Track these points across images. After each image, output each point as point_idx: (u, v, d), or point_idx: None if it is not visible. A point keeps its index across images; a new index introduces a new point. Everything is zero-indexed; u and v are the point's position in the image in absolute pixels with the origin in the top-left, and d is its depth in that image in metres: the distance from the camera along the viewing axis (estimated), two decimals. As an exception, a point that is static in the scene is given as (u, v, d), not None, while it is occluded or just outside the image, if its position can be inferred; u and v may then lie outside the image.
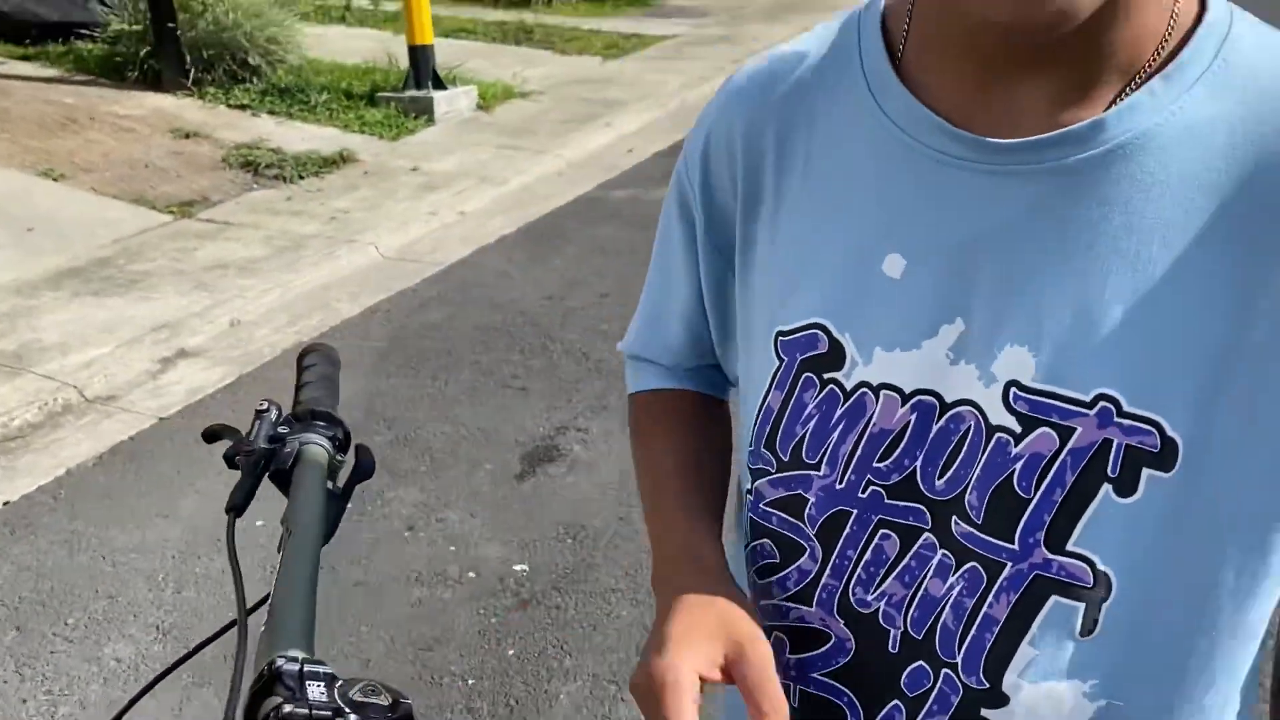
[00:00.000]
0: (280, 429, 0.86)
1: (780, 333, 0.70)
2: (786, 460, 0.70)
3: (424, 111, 6.50)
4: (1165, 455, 0.59)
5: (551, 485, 2.87)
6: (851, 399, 0.67)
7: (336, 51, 7.85)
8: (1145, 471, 0.59)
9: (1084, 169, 0.59)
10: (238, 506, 0.81)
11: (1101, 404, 0.59)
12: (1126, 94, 0.59)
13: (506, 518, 2.73)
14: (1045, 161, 0.60)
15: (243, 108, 6.54)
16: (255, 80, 6.86)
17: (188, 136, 5.95)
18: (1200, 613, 0.62)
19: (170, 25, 6.55)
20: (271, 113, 6.47)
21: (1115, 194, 0.59)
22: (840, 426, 0.68)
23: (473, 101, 6.82)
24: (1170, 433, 0.59)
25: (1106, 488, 0.60)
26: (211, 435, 1.03)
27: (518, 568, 2.55)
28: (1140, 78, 0.59)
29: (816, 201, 0.69)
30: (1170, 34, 0.59)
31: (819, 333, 0.68)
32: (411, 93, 6.58)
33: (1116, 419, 0.59)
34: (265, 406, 0.87)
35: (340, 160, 5.68)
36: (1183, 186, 0.58)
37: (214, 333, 3.82)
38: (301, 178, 5.44)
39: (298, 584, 0.69)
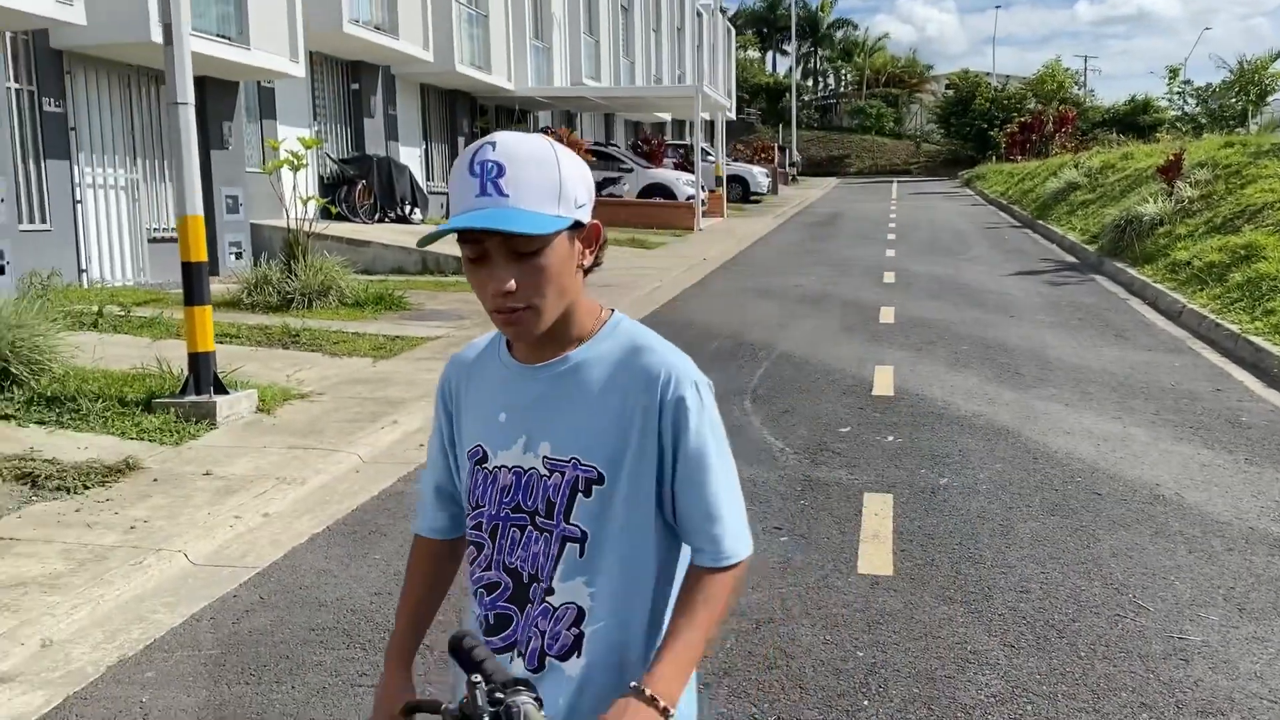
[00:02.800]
0: (496, 695, 1.11)
1: (467, 451, 1.60)
2: (473, 506, 1.58)
3: (205, 416, 6.53)
4: (600, 479, 1.48)
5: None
6: (492, 474, 1.56)
7: (96, 358, 7.77)
8: (592, 486, 1.49)
9: (563, 373, 1.52)
10: None
11: (573, 460, 1.50)
12: (576, 346, 1.52)
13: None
14: (549, 371, 1.52)
15: (5, 418, 6.32)
16: (16, 390, 6.67)
17: (-53, 450, 5.67)
18: (624, 543, 1.50)
19: (-74, 337, 6.35)
20: (40, 422, 6.29)
21: (576, 380, 1.51)
22: (490, 487, 1.56)
23: (254, 404, 6.92)
24: (600, 470, 1.49)
25: (579, 494, 1.49)
26: (411, 709, 1.25)
27: None
28: (584, 340, 1.53)
29: (475, 399, 1.60)
30: (597, 324, 1.54)
31: (480, 447, 1.58)
32: (192, 398, 6.61)
33: (580, 466, 1.49)
34: (478, 679, 1.13)
35: (126, 468, 5.58)
36: (600, 375, 1.51)
37: (25, 655, 3.63)
38: (87, 488, 5.30)
39: None
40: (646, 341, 1.52)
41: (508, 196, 1.37)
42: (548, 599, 1.50)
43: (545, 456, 1.51)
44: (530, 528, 1.52)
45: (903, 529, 4.90)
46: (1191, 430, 6.56)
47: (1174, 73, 33.48)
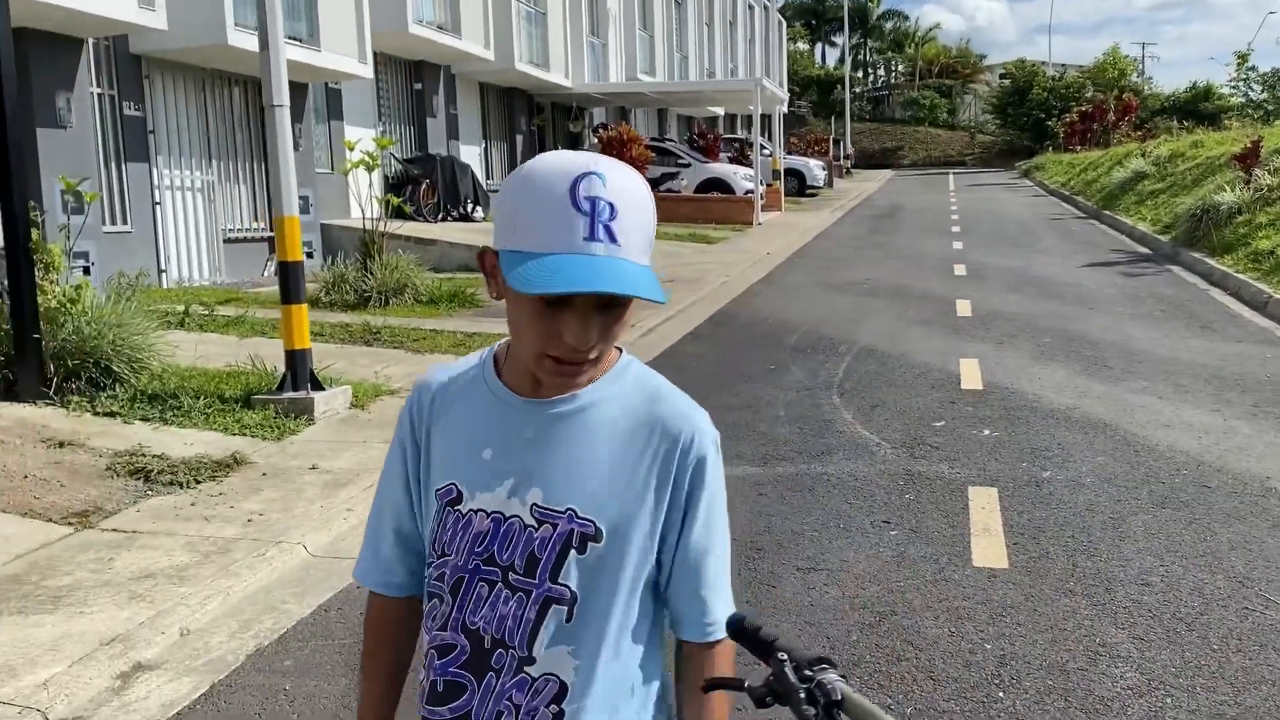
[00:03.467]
0: (805, 672, 1.13)
1: (436, 490, 1.38)
2: (437, 554, 1.37)
3: (304, 412, 6.65)
4: (598, 536, 1.31)
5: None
6: (466, 518, 1.35)
7: (189, 357, 7.94)
8: (589, 543, 1.31)
9: (568, 413, 1.34)
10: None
11: (569, 511, 1.32)
12: (587, 385, 1.33)
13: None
14: (552, 408, 1.34)
15: (111, 415, 6.48)
16: (119, 388, 6.84)
17: (62, 445, 5.84)
18: (618, 610, 1.33)
19: (35, 336, 6.53)
20: (144, 419, 6.44)
21: (582, 422, 1.34)
22: (461, 533, 1.35)
23: (348, 400, 7.03)
24: (600, 526, 1.31)
25: (572, 550, 1.31)
26: (712, 685, 1.28)
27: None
28: (593, 379, 1.34)
29: (453, 430, 1.39)
30: (608, 363, 1.35)
31: (453, 486, 1.37)
32: (290, 394, 6.74)
33: (576, 519, 1.31)
34: (784, 656, 1.15)
35: (234, 463, 5.71)
36: (612, 420, 1.34)
37: (166, 644, 3.74)
38: (199, 482, 5.43)
39: None
40: (662, 389, 1.38)
41: (620, 246, 1.20)
42: (525, 669, 1.31)
43: (535, 504, 1.32)
44: (501, 585, 1.32)
45: (1012, 522, 4.86)
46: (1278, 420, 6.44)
47: (1243, 58, 32.67)
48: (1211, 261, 13.22)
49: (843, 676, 1.14)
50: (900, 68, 74.50)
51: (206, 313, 10.12)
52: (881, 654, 3.62)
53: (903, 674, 3.48)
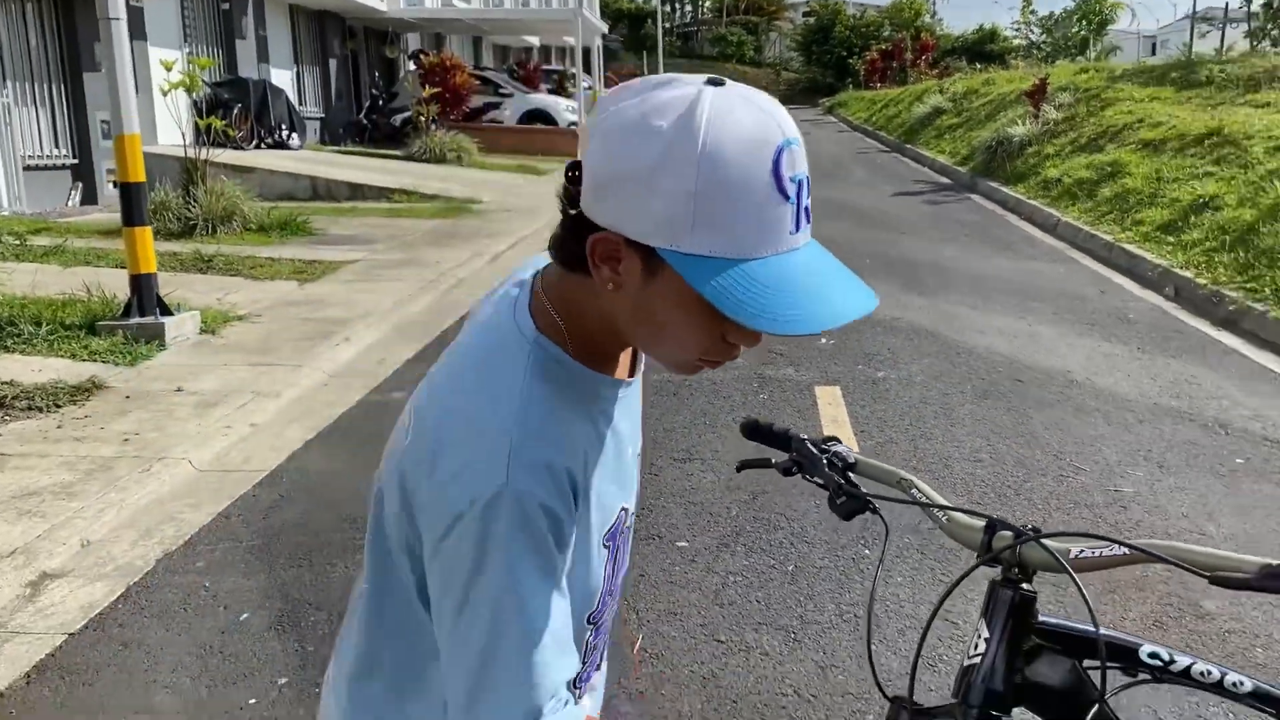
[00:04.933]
0: (821, 446, 1.44)
1: (605, 532, 1.10)
2: (598, 605, 1.13)
3: (155, 337, 6.51)
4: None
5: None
6: (626, 532, 1.16)
7: (19, 286, 7.57)
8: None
9: (633, 386, 1.14)
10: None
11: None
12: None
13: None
14: (629, 385, 1.13)
15: (-57, 344, 6.17)
16: (-54, 316, 6.49)
17: (-104, 376, 5.56)
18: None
19: None
20: (-18, 347, 6.17)
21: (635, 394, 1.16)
22: (624, 550, 1.18)
23: (198, 325, 6.91)
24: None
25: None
26: (743, 466, 1.56)
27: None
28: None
29: (600, 464, 1.07)
30: None
31: (624, 511, 1.14)
32: (138, 320, 6.57)
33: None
34: (803, 437, 1.45)
35: (93, 387, 5.58)
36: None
37: (69, 554, 3.75)
38: (59, 406, 5.29)
39: None
40: None
41: (810, 224, 0.97)
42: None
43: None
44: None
45: (856, 415, 5.38)
46: (1088, 326, 7.26)
47: (1027, 2, 34.93)
48: (1006, 190, 14.35)
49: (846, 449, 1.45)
50: (708, 3, 75.39)
51: (18, 243, 9.57)
52: (760, 525, 4.03)
53: (780, 540, 3.90)
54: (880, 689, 1.29)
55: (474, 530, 0.94)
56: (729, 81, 0.96)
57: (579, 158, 0.99)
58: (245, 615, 3.37)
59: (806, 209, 0.95)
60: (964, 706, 1.24)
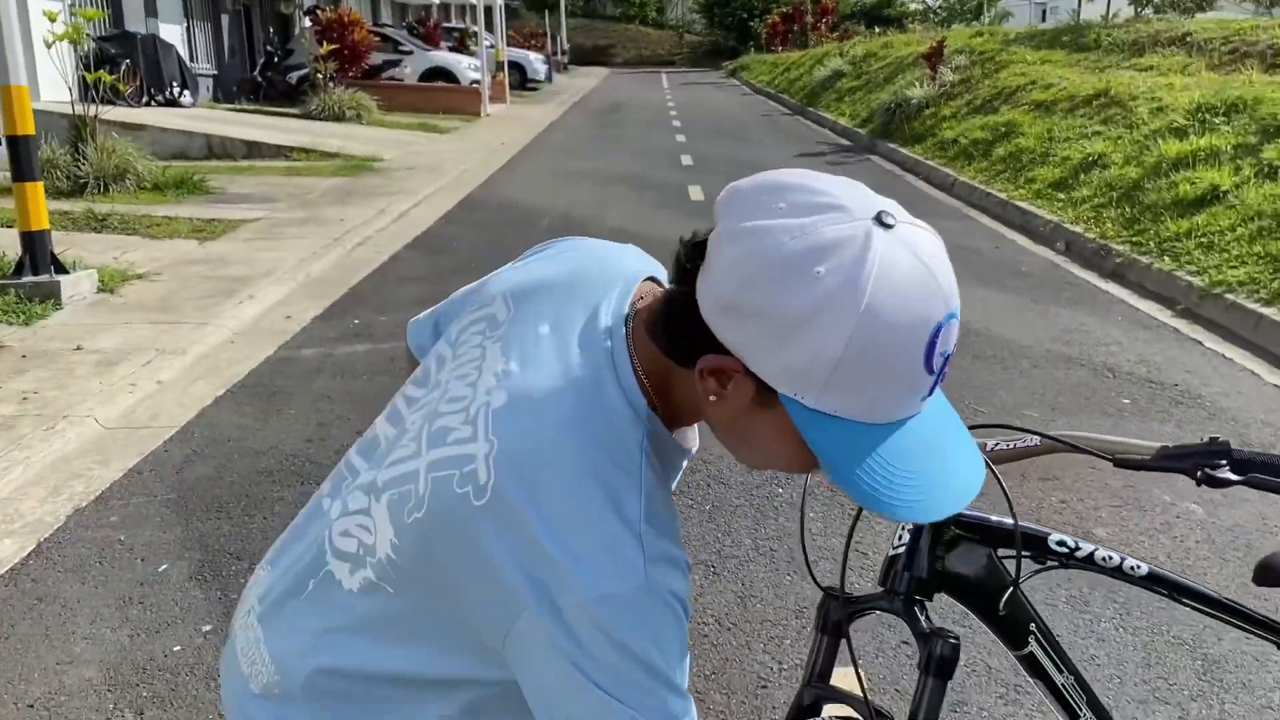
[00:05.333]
0: None
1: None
2: None
3: (50, 296, 6.30)
4: None
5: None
6: None
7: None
8: None
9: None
10: None
11: None
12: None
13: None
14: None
15: None
16: None
17: None
18: None
19: None
20: None
21: None
22: None
23: (94, 284, 6.70)
24: None
25: None
26: None
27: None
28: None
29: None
30: None
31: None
32: (31, 278, 6.35)
33: None
34: None
35: (-14, 347, 5.39)
36: None
37: (-27, 512, 3.65)
38: (-50, 366, 5.11)
39: None
40: None
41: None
42: None
43: None
44: None
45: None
46: (984, 279, 7.53)
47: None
48: (905, 150, 14.67)
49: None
50: (610, -36, 74.77)
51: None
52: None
53: (699, 481, 4.01)
54: (814, 580, 1.38)
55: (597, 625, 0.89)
56: (898, 216, 0.87)
57: (703, 238, 0.92)
58: (164, 567, 3.34)
59: (943, 374, 0.89)
60: (890, 594, 1.34)
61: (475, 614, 0.95)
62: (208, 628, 3.00)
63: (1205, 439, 1.20)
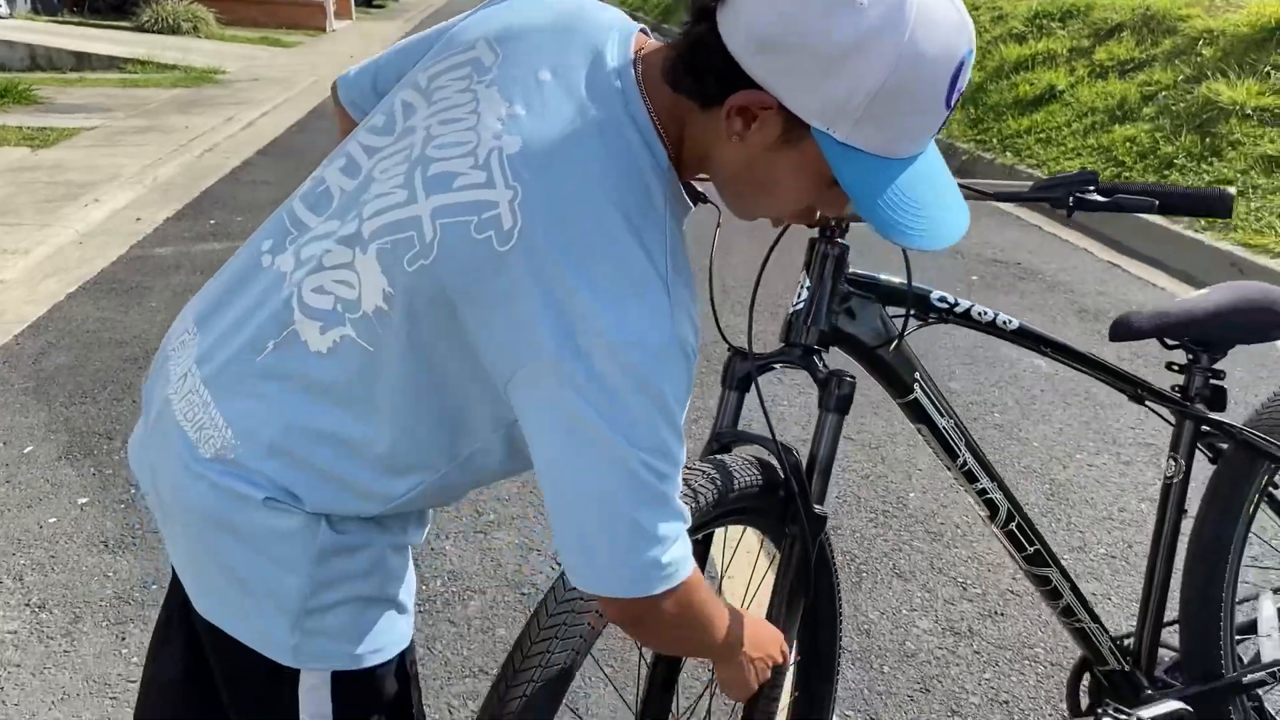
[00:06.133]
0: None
1: None
2: None
3: None
4: None
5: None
6: None
7: None
8: None
9: None
10: None
11: None
12: None
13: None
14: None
15: None
16: None
17: None
18: None
19: None
20: None
21: None
22: None
23: (-82, 189, 6.25)
24: None
25: None
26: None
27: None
28: None
29: None
30: None
31: None
32: None
33: None
34: None
35: None
36: None
37: None
38: None
39: None
40: None
41: None
42: None
43: None
44: None
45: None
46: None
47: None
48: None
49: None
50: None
51: None
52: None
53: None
54: (725, 339, 1.46)
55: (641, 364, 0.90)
56: None
57: None
58: (30, 449, 3.22)
59: (952, 112, 0.92)
60: (790, 346, 1.44)
61: (475, 363, 0.95)
62: (84, 500, 2.93)
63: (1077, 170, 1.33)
